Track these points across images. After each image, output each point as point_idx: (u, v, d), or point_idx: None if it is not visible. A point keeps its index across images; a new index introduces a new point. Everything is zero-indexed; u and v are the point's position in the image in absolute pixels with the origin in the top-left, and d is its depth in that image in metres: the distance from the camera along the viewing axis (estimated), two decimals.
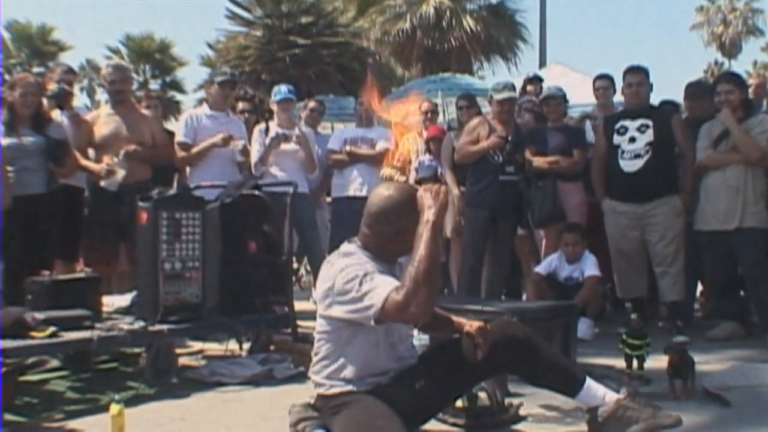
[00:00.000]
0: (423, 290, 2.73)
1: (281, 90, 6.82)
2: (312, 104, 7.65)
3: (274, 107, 6.80)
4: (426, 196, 2.88)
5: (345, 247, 3.09)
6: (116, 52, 27.08)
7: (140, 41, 27.71)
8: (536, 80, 8.06)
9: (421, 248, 2.78)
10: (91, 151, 6.03)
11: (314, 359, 3.13)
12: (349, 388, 3.01)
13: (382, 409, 2.90)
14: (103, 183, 5.72)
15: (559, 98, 6.64)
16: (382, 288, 2.80)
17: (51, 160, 5.40)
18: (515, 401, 3.63)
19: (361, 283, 2.84)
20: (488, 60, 23.16)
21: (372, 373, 3.03)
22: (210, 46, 23.40)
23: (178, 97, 27.78)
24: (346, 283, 2.87)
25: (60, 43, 28.68)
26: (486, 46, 22.33)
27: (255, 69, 18.03)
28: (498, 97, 6.28)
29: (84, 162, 5.83)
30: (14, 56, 27.17)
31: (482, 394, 3.53)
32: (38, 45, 27.88)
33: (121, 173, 5.67)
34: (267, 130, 6.61)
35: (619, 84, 6.50)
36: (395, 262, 3.14)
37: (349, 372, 3.02)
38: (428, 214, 2.84)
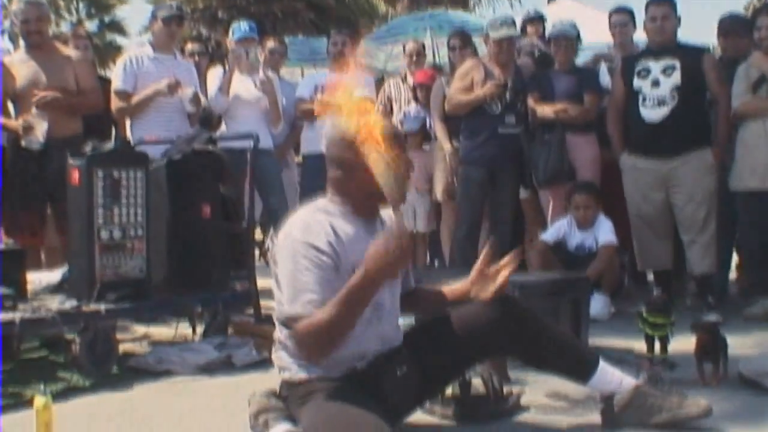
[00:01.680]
0: (323, 338, 2.79)
1: (241, 27, 6.77)
2: (271, 44, 7.50)
3: (232, 47, 6.71)
4: (375, 248, 2.72)
5: (316, 203, 3.08)
6: None
7: None
8: (538, 20, 7.98)
9: (333, 304, 2.75)
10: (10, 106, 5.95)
11: (276, 337, 3.11)
12: (319, 373, 2.97)
13: (357, 399, 2.87)
14: (23, 142, 5.63)
15: (572, 38, 6.58)
16: (300, 298, 2.83)
17: None
18: (515, 389, 3.62)
19: (292, 275, 2.87)
20: None
21: (347, 356, 2.98)
22: None
23: (120, 40, 27.54)
24: (285, 263, 2.91)
25: None
26: None
27: (210, 5, 17.89)
28: (495, 35, 6.25)
29: None
30: None
31: (477, 381, 3.52)
32: None
33: (41, 128, 5.58)
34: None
35: (640, 20, 6.48)
36: (374, 216, 3.11)
37: None
38: (367, 266, 2.72)
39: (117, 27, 27.91)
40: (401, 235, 2.73)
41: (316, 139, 6.79)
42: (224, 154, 5.31)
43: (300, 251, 2.86)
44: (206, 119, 6.41)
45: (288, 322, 2.88)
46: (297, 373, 3.01)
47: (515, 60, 6.60)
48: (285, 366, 3.06)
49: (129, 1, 28.02)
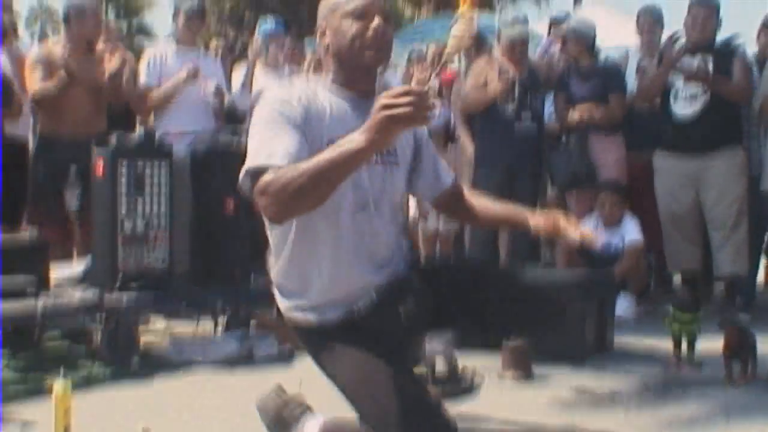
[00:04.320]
0: (286, 198, 2.28)
1: (268, 23, 6.76)
2: (291, 42, 7.45)
3: (257, 42, 6.69)
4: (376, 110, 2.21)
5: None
6: None
7: None
8: (564, 22, 7.90)
9: (315, 160, 2.28)
10: None
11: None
12: (310, 317, 2.61)
13: (370, 359, 2.55)
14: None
15: (585, 36, 6.49)
16: (265, 150, 2.38)
17: None
18: (473, 367, 3.57)
19: (262, 128, 2.45)
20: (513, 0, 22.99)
21: (341, 291, 2.60)
22: None
23: (147, 43, 27.66)
24: (255, 120, 2.51)
25: None
26: None
27: (237, 7, 17.94)
28: (507, 33, 6.20)
29: None
30: None
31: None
32: None
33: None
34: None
35: (667, 20, 6.47)
36: (367, 95, 2.59)
37: (302, 277, 2.61)
38: (367, 137, 2.21)
39: (144, 29, 28.14)
40: (422, 89, 2.26)
41: None
42: None
43: (273, 106, 2.49)
44: (231, 114, 6.38)
45: (255, 183, 2.34)
46: (291, 309, 2.65)
47: (528, 57, 6.53)
48: (278, 287, 2.69)
49: (156, 5, 28.19)
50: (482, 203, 2.98)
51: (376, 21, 2.52)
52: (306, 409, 2.95)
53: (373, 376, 2.53)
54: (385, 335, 2.62)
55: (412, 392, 2.52)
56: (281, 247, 2.62)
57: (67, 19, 5.91)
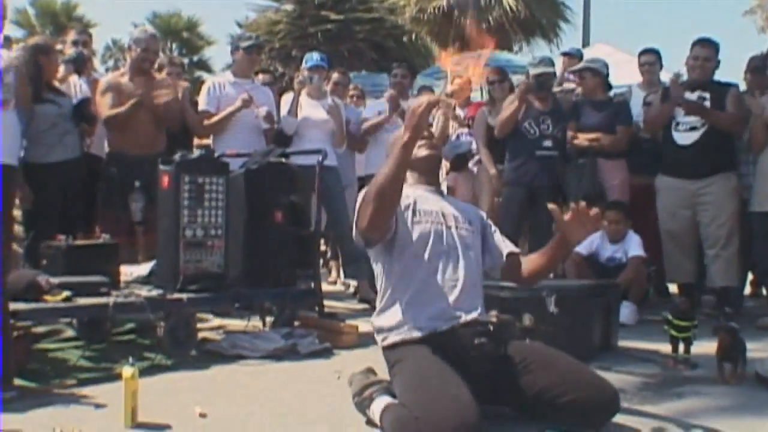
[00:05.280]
0: (369, 205, 2.84)
1: (313, 57, 6.73)
2: (336, 76, 7.46)
3: (303, 73, 6.71)
4: (408, 117, 2.86)
5: None
6: None
7: (167, 19, 27.90)
8: (573, 55, 7.87)
9: (382, 167, 2.85)
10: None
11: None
12: (401, 336, 2.97)
13: (434, 362, 2.80)
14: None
15: (587, 71, 6.50)
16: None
17: (82, 121, 5.62)
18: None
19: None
20: (528, 42, 22.88)
21: (426, 311, 2.98)
22: (239, 24, 23.49)
23: (206, 77, 27.84)
24: None
25: (85, 20, 28.84)
26: (526, 27, 22.03)
27: (285, 45, 18.01)
28: (534, 71, 6.20)
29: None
30: (38, 32, 27.36)
31: None
32: (62, 21, 28.04)
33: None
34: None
35: (666, 60, 6.49)
36: (432, 182, 3.33)
37: (397, 312, 3.01)
38: (404, 135, 2.82)
39: (204, 65, 28.33)
40: (416, 107, 2.82)
41: (375, 161, 6.83)
42: (295, 166, 5.30)
43: None
44: (279, 136, 6.41)
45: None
46: (385, 339, 3.04)
47: (553, 93, 6.53)
48: (377, 330, 3.11)
49: (215, 43, 28.41)
50: (529, 259, 3.35)
51: None
52: (385, 390, 2.97)
53: (424, 373, 2.77)
54: (456, 352, 2.90)
55: (453, 391, 2.64)
56: (386, 287, 3.08)
57: (128, 48, 6.01)
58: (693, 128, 5.79)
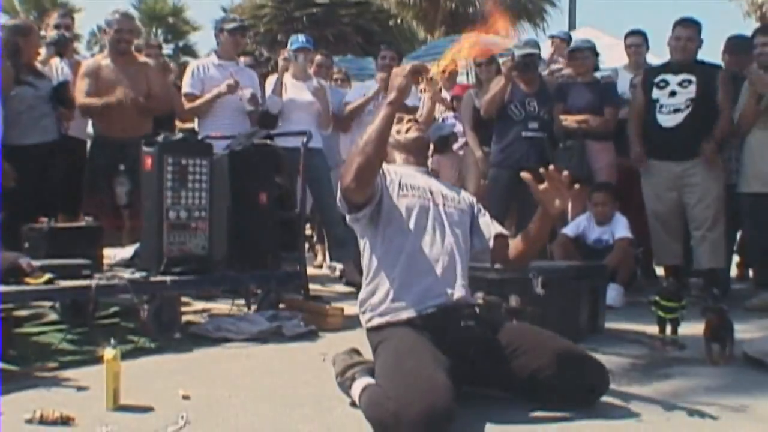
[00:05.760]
0: (356, 158, 2.85)
1: (299, 39, 6.67)
2: (318, 58, 7.41)
3: (287, 54, 6.65)
4: (392, 78, 2.91)
5: None
6: None
7: (152, 4, 27.64)
8: (562, 38, 7.84)
9: (369, 125, 2.88)
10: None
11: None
12: (386, 319, 2.96)
13: (414, 344, 2.78)
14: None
15: (587, 50, 6.47)
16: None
17: (59, 104, 5.55)
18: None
19: None
20: (514, 25, 22.81)
21: (413, 290, 2.96)
22: (224, 9, 23.37)
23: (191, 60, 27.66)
24: None
25: (69, 6, 28.57)
26: (512, 10, 21.99)
27: (270, 29, 17.92)
28: (519, 53, 6.16)
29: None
30: (22, 17, 27.13)
31: None
32: (46, 6, 27.67)
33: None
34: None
35: (653, 42, 6.50)
36: (420, 163, 3.35)
37: (383, 290, 2.99)
38: (389, 94, 2.88)
39: (189, 50, 28.09)
40: (400, 69, 2.91)
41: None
42: (280, 148, 5.25)
43: None
44: (263, 118, 6.35)
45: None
46: (368, 320, 3.03)
47: (540, 75, 6.50)
48: (361, 305, 3.09)
49: (200, 28, 28.22)
50: (515, 240, 3.29)
51: None
52: (367, 370, 2.94)
53: (402, 354, 2.75)
54: (441, 335, 2.88)
55: (426, 372, 2.61)
56: (369, 270, 3.06)
57: (103, 31, 5.99)
58: (677, 110, 5.76)
